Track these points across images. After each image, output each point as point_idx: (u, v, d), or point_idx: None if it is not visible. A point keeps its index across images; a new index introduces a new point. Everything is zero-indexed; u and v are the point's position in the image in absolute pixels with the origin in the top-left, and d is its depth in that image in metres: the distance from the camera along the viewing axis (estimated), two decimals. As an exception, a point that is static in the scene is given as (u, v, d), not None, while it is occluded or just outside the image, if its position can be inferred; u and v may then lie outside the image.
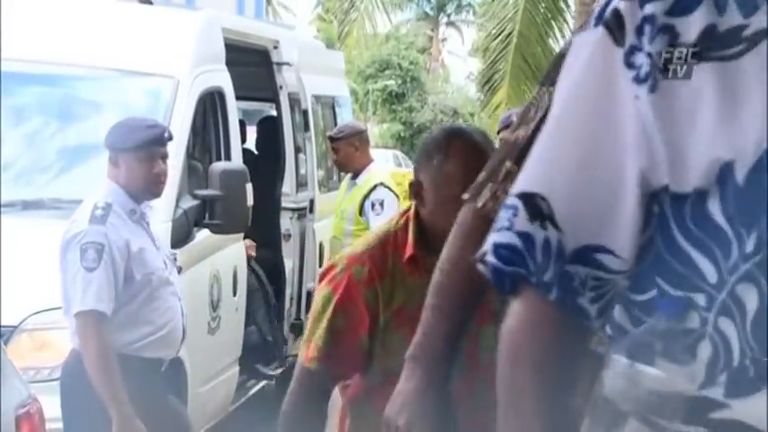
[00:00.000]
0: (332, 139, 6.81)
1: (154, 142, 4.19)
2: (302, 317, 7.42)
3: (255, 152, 8.10)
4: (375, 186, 6.57)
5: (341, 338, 2.59)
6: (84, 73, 5.97)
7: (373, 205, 6.51)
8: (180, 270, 4.54)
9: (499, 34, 16.56)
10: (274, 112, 7.81)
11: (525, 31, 16.18)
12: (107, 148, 4.26)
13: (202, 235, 5.60)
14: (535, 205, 1.30)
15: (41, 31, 5.94)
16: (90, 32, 6.03)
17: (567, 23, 16.50)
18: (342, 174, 7.43)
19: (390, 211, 6.60)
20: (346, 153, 6.63)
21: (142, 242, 4.14)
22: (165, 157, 4.26)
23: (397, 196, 6.71)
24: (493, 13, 17.38)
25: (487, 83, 16.81)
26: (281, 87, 7.48)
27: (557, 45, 16.75)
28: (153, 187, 4.23)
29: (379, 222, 6.50)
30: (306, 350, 2.63)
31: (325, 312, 2.59)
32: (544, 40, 16.62)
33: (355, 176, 6.70)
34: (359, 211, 6.54)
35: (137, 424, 4.00)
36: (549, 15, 16.37)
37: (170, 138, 4.35)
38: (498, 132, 5.80)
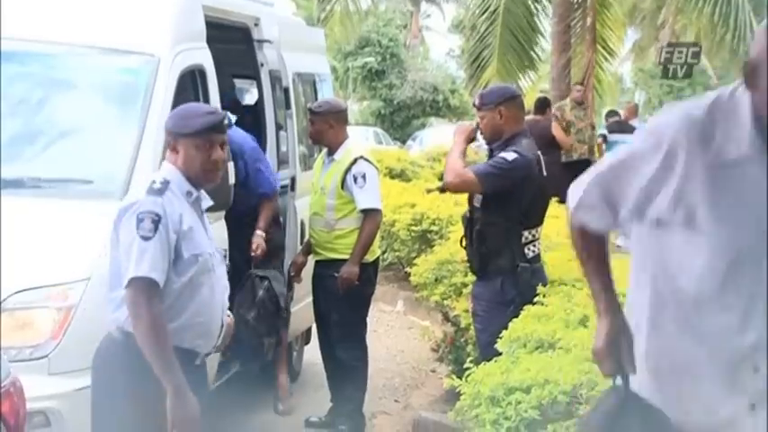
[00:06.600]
0: (311, 111, 6.81)
1: (213, 129, 4.12)
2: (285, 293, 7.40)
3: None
4: (356, 160, 6.61)
5: None
6: (64, 51, 5.92)
7: (356, 178, 6.56)
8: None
9: (485, 10, 16.53)
10: (256, 90, 7.78)
11: (511, 6, 16.16)
12: (166, 132, 4.16)
13: (184, 213, 5.57)
14: None
15: (19, 9, 5.89)
16: (69, 10, 5.98)
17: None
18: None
19: (373, 183, 6.64)
20: (320, 129, 6.66)
21: (194, 222, 4.06)
22: (223, 143, 4.18)
23: (377, 170, 6.74)
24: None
25: (476, 60, 16.79)
26: (262, 65, 7.46)
27: (542, 17, 16.76)
28: (210, 174, 4.14)
29: (364, 194, 6.57)
30: None
31: None
32: (531, 12, 16.61)
33: (331, 153, 6.71)
34: (341, 184, 6.58)
35: (190, 396, 3.86)
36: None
37: (229, 125, 4.24)
38: (474, 107, 5.79)
